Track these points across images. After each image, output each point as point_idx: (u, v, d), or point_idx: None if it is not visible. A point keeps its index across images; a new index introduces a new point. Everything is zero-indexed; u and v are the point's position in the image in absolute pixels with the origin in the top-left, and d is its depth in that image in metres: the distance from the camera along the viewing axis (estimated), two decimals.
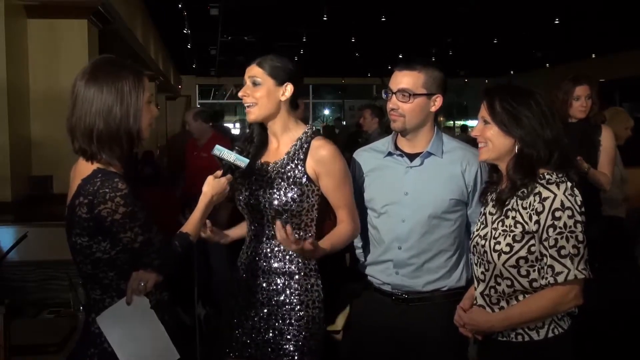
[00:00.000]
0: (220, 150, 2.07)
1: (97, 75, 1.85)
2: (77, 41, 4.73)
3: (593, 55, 13.61)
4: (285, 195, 2.18)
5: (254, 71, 2.21)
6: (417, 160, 2.31)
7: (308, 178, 2.20)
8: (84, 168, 1.88)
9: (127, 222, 1.81)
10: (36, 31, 4.61)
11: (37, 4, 4.52)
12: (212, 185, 2.03)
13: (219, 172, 2.06)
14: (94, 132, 1.84)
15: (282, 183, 2.20)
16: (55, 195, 4.17)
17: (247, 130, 2.36)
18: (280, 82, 2.20)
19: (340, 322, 3.27)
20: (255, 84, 2.20)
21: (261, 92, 2.20)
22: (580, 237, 1.85)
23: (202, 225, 2.07)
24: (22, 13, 4.51)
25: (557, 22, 9.75)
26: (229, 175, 2.06)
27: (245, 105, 2.23)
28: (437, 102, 2.29)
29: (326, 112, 21.52)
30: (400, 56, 12.62)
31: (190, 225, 1.98)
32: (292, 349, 2.19)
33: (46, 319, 2.87)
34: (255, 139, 2.30)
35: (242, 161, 2.06)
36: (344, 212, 2.24)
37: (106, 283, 1.90)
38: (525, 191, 1.91)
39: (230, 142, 5.79)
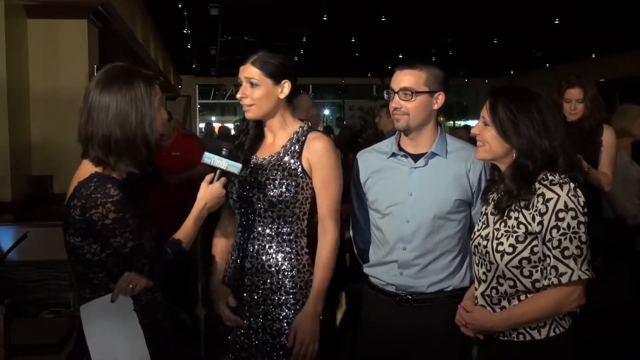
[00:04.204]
0: (210, 158, 1.99)
1: (111, 84, 1.86)
2: (77, 41, 4.73)
3: (593, 55, 13.58)
4: (279, 186, 2.16)
5: (250, 72, 2.18)
6: (422, 161, 2.30)
7: (303, 170, 2.19)
8: (83, 171, 1.89)
9: (116, 227, 1.81)
10: (36, 31, 4.61)
11: (37, 4, 4.52)
12: (205, 192, 1.99)
13: (209, 177, 2.00)
14: (111, 141, 1.85)
15: (278, 174, 2.18)
16: (55, 195, 4.16)
17: (238, 125, 2.34)
18: (278, 81, 2.18)
19: (337, 319, 3.27)
20: (252, 84, 2.17)
21: (259, 92, 2.17)
22: (584, 238, 1.85)
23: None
24: (22, 13, 4.51)
25: (557, 22, 9.73)
26: (222, 179, 2.00)
27: (244, 105, 2.21)
28: (440, 99, 2.29)
29: (326, 112, 21.49)
30: (400, 56, 12.60)
31: (183, 232, 1.96)
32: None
33: (46, 319, 2.86)
34: (251, 132, 2.28)
35: (235, 167, 2.00)
36: (329, 218, 2.20)
37: (96, 283, 1.90)
38: (524, 200, 1.90)
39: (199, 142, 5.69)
